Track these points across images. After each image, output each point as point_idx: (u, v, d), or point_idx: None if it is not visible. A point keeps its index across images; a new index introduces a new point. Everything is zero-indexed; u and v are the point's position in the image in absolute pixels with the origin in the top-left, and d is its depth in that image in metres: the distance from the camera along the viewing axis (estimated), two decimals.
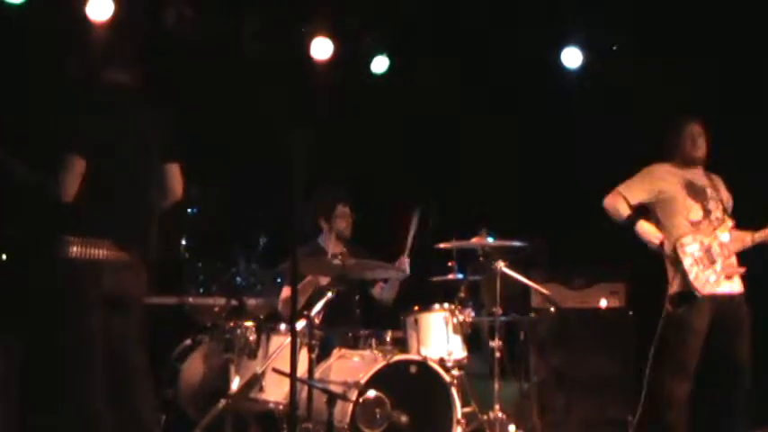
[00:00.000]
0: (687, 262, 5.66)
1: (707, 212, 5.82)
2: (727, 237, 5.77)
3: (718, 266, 5.70)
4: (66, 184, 4.15)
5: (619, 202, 5.93)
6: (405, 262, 6.39)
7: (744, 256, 5.93)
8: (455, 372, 5.81)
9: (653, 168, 5.98)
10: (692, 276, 5.64)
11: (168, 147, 4.52)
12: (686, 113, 6.70)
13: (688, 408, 5.84)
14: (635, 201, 5.91)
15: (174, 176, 4.55)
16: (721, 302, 5.73)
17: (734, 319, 5.78)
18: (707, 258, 5.70)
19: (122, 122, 4.32)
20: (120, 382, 4.23)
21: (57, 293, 4.20)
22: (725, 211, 5.85)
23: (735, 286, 5.81)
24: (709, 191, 5.88)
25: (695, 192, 5.83)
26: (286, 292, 6.22)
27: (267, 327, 5.71)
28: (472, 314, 6.06)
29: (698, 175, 5.92)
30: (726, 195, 5.93)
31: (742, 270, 5.79)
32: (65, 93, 4.45)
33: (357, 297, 6.66)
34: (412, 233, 6.34)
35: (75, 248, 4.13)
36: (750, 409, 6.13)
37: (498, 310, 6.09)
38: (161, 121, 4.49)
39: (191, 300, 6.30)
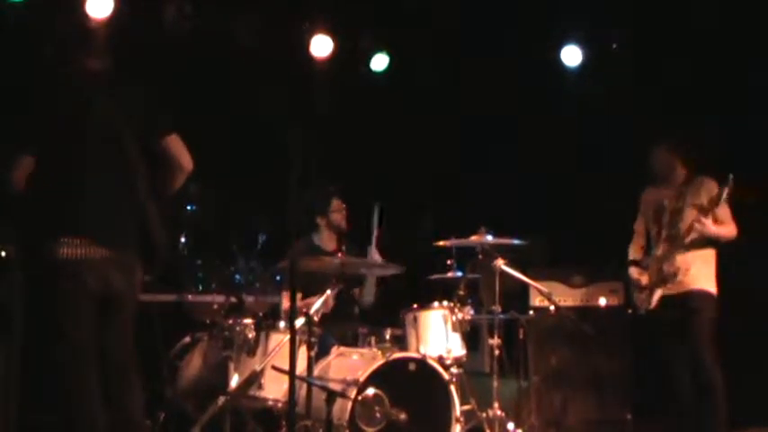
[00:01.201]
0: (631, 289, 6.46)
1: (659, 229, 6.28)
2: (660, 251, 6.23)
3: (646, 283, 6.25)
4: (11, 181, 4.13)
5: (632, 244, 6.53)
6: (374, 253, 6.57)
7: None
8: (454, 369, 5.81)
9: (642, 195, 6.54)
10: (634, 299, 6.41)
11: (161, 123, 4.41)
12: (685, 112, 6.76)
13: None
14: (644, 231, 6.49)
15: (176, 147, 4.40)
16: (674, 301, 6.12)
17: (683, 315, 6.08)
18: (640, 281, 6.30)
19: (100, 116, 4.24)
20: (111, 380, 4.21)
21: (43, 293, 4.18)
22: (672, 225, 6.18)
23: (684, 285, 6.11)
24: (668, 206, 6.20)
25: (656, 210, 6.31)
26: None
27: (266, 324, 5.71)
28: (471, 312, 6.07)
29: (668, 192, 6.26)
30: (700, 201, 6.10)
31: (675, 274, 6.14)
32: (26, 88, 4.40)
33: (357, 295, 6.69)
34: (374, 228, 6.56)
35: (57, 248, 4.09)
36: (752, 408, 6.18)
37: (497, 308, 6.09)
38: (139, 103, 4.39)
39: (190, 297, 6.29)
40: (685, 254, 6.11)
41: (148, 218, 4.33)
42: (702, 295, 6.09)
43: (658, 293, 6.18)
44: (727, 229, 6.08)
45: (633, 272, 6.36)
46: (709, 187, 6.13)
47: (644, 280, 6.27)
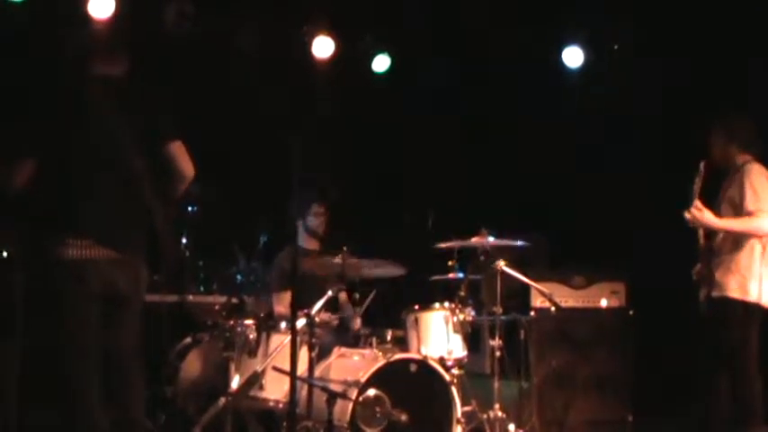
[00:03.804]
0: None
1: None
2: (703, 248, 5.79)
3: (696, 278, 5.86)
4: (11, 184, 4.15)
5: None
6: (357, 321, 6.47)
7: None
8: (455, 371, 5.81)
9: None
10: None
11: (164, 128, 4.40)
12: (685, 113, 6.74)
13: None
14: None
15: (179, 155, 4.40)
16: (710, 303, 5.74)
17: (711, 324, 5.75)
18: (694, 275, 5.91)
19: (103, 119, 4.23)
20: (114, 380, 4.21)
21: (47, 294, 4.18)
22: (714, 213, 5.70)
23: (716, 289, 5.70)
24: (720, 197, 5.80)
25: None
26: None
27: (267, 325, 5.72)
28: (472, 313, 6.07)
29: (726, 179, 5.83)
30: (731, 194, 5.72)
31: (696, 274, 5.82)
32: (33, 90, 4.40)
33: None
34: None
35: (62, 249, 4.10)
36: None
37: (498, 310, 6.08)
38: (149, 108, 4.39)
39: (191, 298, 6.29)
40: (724, 252, 5.67)
41: (156, 219, 4.34)
42: (723, 303, 5.67)
43: (703, 292, 5.78)
44: (740, 223, 5.58)
45: (695, 268, 5.89)
46: (742, 176, 5.66)
47: (696, 275, 5.86)
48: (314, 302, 5.58)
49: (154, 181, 4.38)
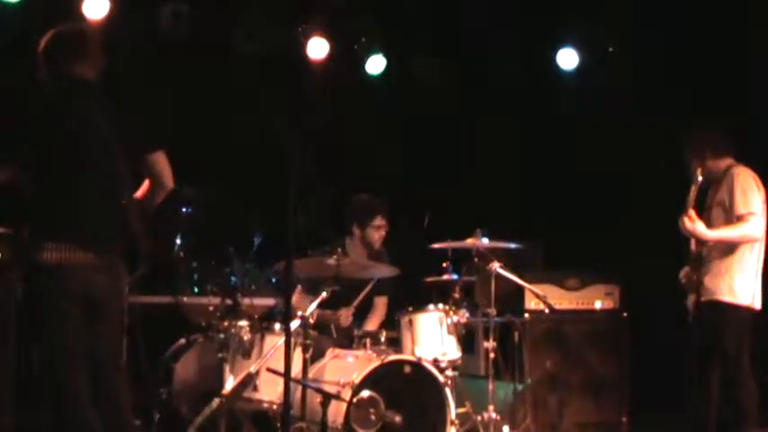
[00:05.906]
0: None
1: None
2: (693, 254, 5.81)
3: (684, 284, 5.86)
4: None
5: None
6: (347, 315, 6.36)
7: None
8: (449, 372, 5.80)
9: None
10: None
11: (147, 137, 4.38)
12: (684, 114, 6.75)
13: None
14: None
15: (160, 165, 4.38)
16: (701, 308, 5.73)
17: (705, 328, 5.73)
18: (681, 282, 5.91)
19: (83, 122, 4.21)
20: (99, 381, 4.21)
21: (31, 297, 4.18)
22: (705, 217, 5.72)
23: (705, 293, 5.69)
24: (709, 202, 5.80)
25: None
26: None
27: (261, 326, 5.72)
28: (466, 315, 6.05)
29: (713, 185, 5.82)
30: (720, 197, 5.73)
31: (683, 277, 5.82)
32: (16, 94, 4.39)
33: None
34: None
35: (42, 253, 4.08)
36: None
37: (493, 311, 6.08)
38: (131, 115, 4.37)
39: (185, 299, 6.29)
40: (713, 258, 5.67)
41: (132, 221, 4.32)
42: (715, 307, 5.67)
43: (692, 298, 5.78)
44: (731, 232, 5.58)
45: (682, 272, 5.89)
46: (730, 179, 5.66)
47: (683, 281, 5.86)
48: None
49: (132, 183, 4.38)
